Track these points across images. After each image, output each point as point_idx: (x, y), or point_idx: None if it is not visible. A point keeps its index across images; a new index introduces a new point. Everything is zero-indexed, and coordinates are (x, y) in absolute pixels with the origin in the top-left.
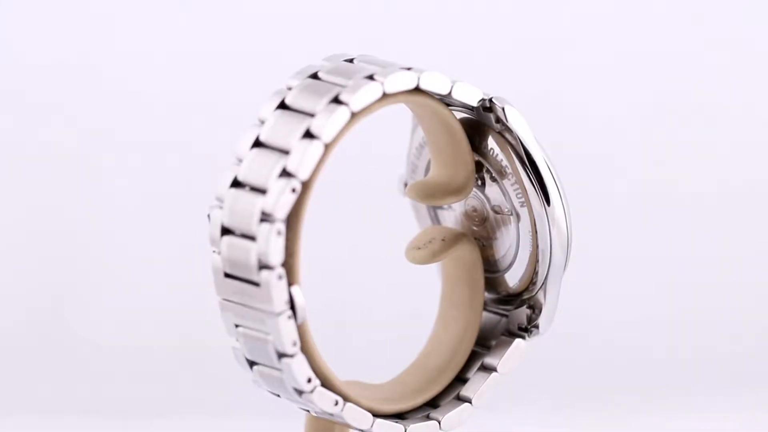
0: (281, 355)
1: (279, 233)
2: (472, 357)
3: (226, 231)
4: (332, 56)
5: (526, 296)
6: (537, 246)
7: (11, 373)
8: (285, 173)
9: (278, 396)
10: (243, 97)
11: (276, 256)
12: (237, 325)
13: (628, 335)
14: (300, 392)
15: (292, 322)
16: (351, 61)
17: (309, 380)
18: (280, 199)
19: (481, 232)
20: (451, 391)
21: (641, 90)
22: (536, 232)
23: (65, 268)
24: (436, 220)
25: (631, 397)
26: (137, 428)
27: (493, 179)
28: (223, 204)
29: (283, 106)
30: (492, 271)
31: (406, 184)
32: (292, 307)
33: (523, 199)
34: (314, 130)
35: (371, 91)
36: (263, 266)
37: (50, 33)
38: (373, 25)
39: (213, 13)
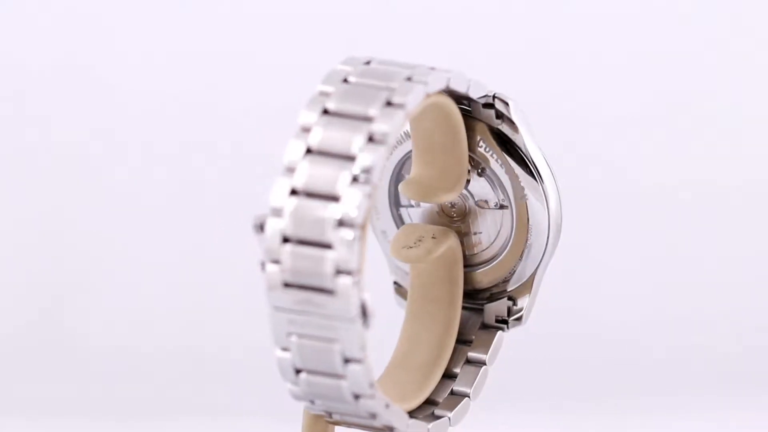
0: (348, 361)
1: (359, 239)
2: (455, 353)
3: (286, 240)
4: (348, 59)
5: (495, 291)
6: (526, 240)
7: (11, 373)
8: (356, 179)
9: (312, 403)
10: (241, 98)
11: (356, 263)
12: (290, 334)
13: (627, 335)
14: (357, 397)
15: (363, 327)
16: (368, 63)
17: (371, 384)
18: (360, 205)
19: (459, 228)
20: (444, 387)
21: (641, 90)
22: (528, 221)
23: (65, 269)
24: (399, 220)
25: (630, 397)
26: (137, 428)
27: (480, 174)
28: (282, 213)
29: (325, 112)
30: (466, 266)
31: None
32: (363, 312)
33: (521, 194)
34: (377, 135)
35: (419, 93)
36: (342, 272)
37: (50, 33)
38: (365, 25)
39: (211, 14)
